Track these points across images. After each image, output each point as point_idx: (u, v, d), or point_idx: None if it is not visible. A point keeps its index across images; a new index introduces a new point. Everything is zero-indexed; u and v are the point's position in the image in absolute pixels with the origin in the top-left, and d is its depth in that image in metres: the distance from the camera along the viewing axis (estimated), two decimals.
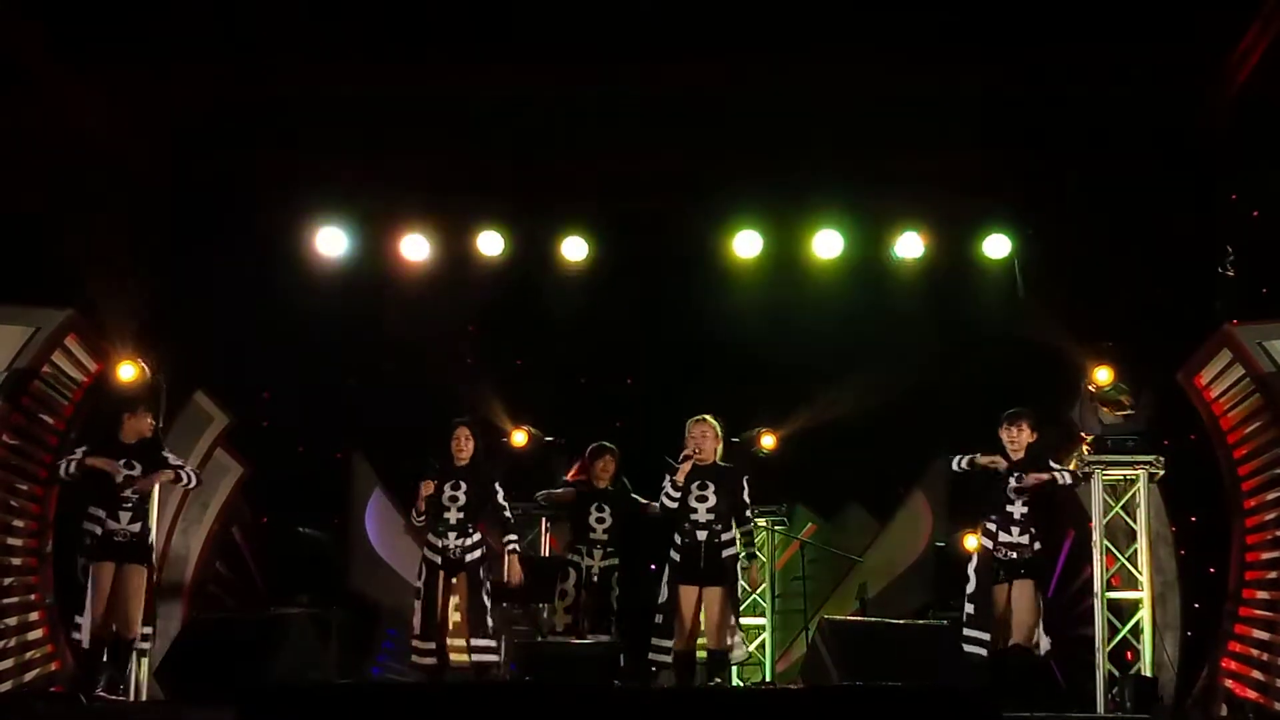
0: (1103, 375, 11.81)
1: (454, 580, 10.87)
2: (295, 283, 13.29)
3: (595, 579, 11.65)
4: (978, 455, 10.88)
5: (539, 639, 11.52)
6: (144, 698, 11.47)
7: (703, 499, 10.77)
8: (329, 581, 13.09)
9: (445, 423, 11.18)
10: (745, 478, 10.94)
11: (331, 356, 13.41)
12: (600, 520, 11.75)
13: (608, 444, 11.94)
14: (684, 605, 10.70)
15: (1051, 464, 10.93)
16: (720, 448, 10.95)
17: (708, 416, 10.94)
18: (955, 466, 10.98)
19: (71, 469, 10.84)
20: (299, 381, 13.37)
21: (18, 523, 11.81)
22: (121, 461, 10.88)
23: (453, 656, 10.82)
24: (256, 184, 13.10)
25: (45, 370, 11.88)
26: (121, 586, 10.77)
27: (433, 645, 10.78)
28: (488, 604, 10.91)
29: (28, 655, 11.64)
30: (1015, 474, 10.80)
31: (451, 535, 10.86)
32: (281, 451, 13.52)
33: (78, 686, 10.69)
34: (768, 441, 12.91)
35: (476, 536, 10.92)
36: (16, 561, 11.75)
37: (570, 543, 11.98)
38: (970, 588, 10.84)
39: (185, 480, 11.25)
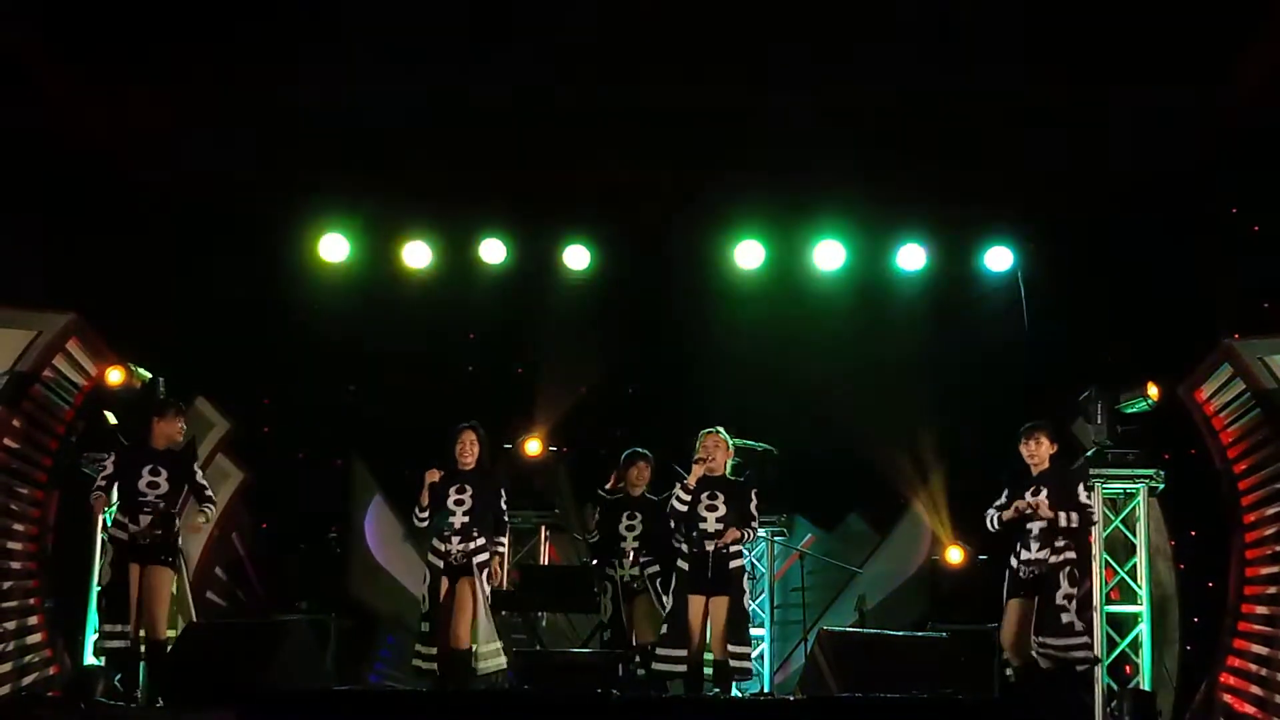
0: (1154, 391, 11.64)
1: (457, 586, 10.76)
2: (297, 289, 13.32)
3: (635, 587, 11.30)
4: (1001, 513, 10.62)
5: (538, 648, 11.50)
6: (143, 703, 11.45)
7: (713, 509, 10.73)
8: (328, 588, 13.10)
9: (447, 429, 11.12)
10: (754, 490, 10.87)
11: (332, 363, 13.42)
12: (630, 528, 11.37)
13: (642, 450, 11.59)
14: (692, 614, 10.65)
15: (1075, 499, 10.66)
16: (730, 461, 10.89)
17: (719, 428, 10.88)
18: (991, 527, 10.72)
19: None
20: (300, 388, 13.37)
21: (18, 526, 11.81)
22: (147, 468, 10.79)
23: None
24: (259, 190, 13.11)
25: (46, 374, 11.90)
26: (145, 588, 10.71)
27: (434, 650, 10.70)
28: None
29: (26, 659, 11.64)
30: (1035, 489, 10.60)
31: (455, 540, 10.74)
32: (282, 458, 13.53)
33: (80, 692, 10.67)
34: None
35: (481, 541, 10.75)
36: (16, 565, 11.76)
37: (604, 555, 11.55)
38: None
39: (208, 519, 11.14)
